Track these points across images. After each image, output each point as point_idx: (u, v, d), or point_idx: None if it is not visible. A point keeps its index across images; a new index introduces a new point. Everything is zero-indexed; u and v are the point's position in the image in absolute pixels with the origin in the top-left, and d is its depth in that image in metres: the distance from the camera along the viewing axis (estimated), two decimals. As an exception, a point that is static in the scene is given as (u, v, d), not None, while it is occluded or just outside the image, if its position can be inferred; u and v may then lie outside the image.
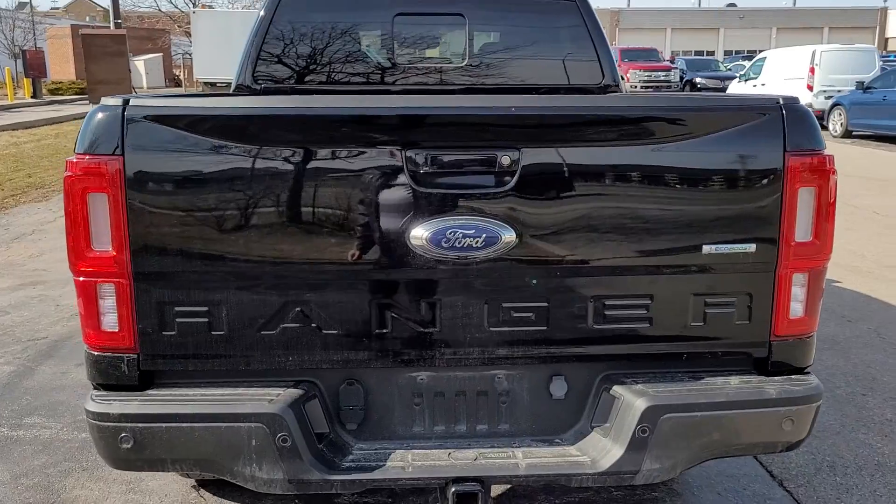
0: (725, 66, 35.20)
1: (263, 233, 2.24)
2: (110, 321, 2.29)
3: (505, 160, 2.22)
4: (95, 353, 2.32)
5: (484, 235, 2.23)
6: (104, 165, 2.18)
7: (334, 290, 2.29)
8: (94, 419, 2.24)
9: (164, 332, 2.29)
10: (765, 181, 2.30)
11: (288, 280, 2.28)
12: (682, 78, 32.09)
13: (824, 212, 2.34)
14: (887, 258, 7.69)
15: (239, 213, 2.22)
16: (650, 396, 2.28)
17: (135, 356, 2.30)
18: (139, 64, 44.04)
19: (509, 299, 2.33)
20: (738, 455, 2.51)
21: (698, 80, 30.58)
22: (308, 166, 2.22)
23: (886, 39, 58.39)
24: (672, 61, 37.39)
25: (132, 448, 2.23)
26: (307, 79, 4.13)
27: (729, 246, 2.30)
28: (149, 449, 2.23)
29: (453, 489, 2.26)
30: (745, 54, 46.17)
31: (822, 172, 2.31)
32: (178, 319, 2.29)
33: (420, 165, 2.22)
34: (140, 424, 2.22)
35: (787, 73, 20.42)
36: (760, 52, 25.36)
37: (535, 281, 2.31)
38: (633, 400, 2.29)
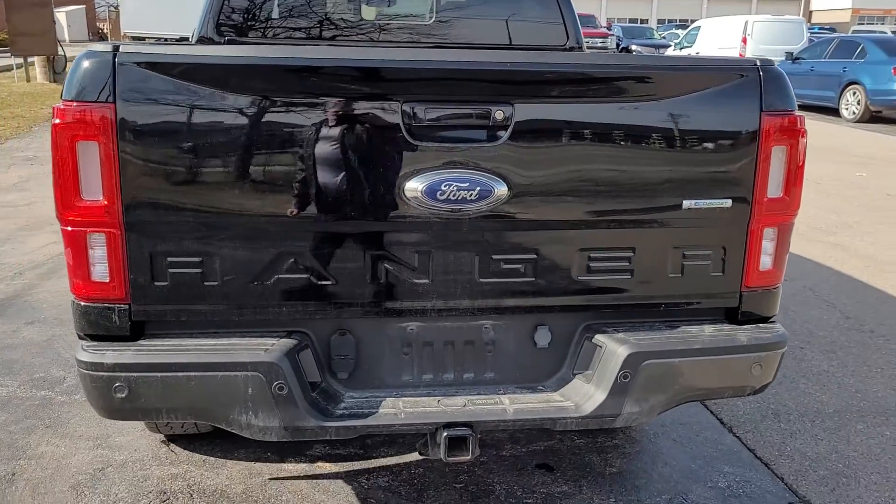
0: (660, 34, 35.76)
1: (258, 184, 2.24)
2: (100, 271, 2.27)
3: (499, 115, 2.27)
4: (84, 304, 2.31)
5: (478, 188, 2.29)
6: (94, 112, 2.15)
7: (328, 242, 2.32)
8: (86, 369, 2.24)
9: (156, 283, 2.29)
10: (741, 139, 2.42)
11: (282, 231, 2.30)
12: (618, 45, 32.48)
13: (794, 169, 2.47)
14: (816, 221, 8.06)
15: (233, 163, 2.22)
16: (632, 344, 2.39)
17: (126, 307, 2.30)
18: (60, 16, 41.98)
19: (499, 251, 2.40)
20: (709, 399, 2.66)
21: (634, 47, 31.01)
22: (305, 118, 2.23)
23: (811, 12, 60.14)
24: (609, 28, 37.77)
25: (126, 397, 2.23)
26: (270, 32, 4.08)
27: (707, 201, 2.42)
28: (143, 398, 2.24)
29: (445, 434, 2.33)
30: (678, 23, 46.99)
31: (795, 132, 2.44)
32: (170, 270, 2.29)
33: (416, 119, 2.25)
34: (135, 374, 2.22)
35: (721, 42, 20.92)
36: (692, 20, 25.85)
37: (524, 233, 2.39)
38: (615, 347, 2.41)
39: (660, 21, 56.59)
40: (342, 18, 4.17)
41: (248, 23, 4.07)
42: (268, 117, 2.22)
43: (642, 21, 55.22)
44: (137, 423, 3.68)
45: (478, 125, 2.30)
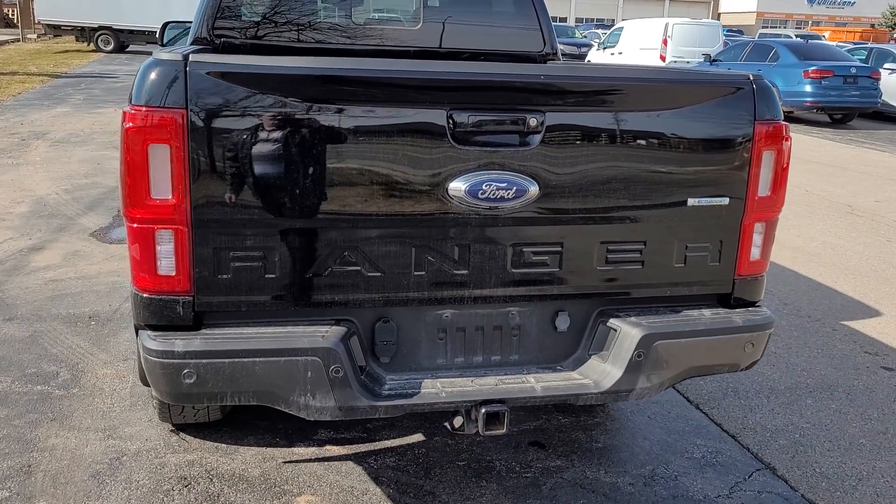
0: (581, 34, 36.76)
1: (317, 185, 2.44)
2: (167, 265, 2.42)
3: (532, 121, 2.53)
4: (149, 297, 2.45)
5: (514, 188, 2.55)
6: (168, 117, 2.30)
7: (378, 237, 2.54)
8: (157, 357, 2.39)
9: (219, 276, 2.46)
10: (737, 144, 2.75)
11: (336, 228, 2.50)
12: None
13: (780, 171, 2.82)
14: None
15: (294, 167, 2.41)
16: (645, 326, 2.70)
17: (190, 298, 2.45)
18: (-38, 1, 39.99)
19: (529, 244, 2.66)
20: (708, 374, 3.00)
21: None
22: (360, 124, 2.44)
23: (719, 14, 62.70)
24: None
25: (195, 382, 2.40)
26: (266, 36, 4.23)
27: (708, 199, 2.74)
28: (211, 382, 2.41)
29: (483, 410, 2.59)
30: (596, 22, 48.20)
31: (781, 138, 2.79)
32: (233, 264, 2.46)
33: (460, 125, 2.49)
34: (204, 360, 2.39)
35: (643, 43, 21.76)
36: (609, 20, 26.64)
37: (552, 228, 2.66)
38: (630, 330, 2.71)
39: (578, 20, 58.00)
40: (334, 23, 4.35)
41: (242, 27, 4.20)
42: (326, 123, 2.42)
43: (560, 20, 56.49)
44: (143, 414, 3.80)
45: (514, 131, 2.55)
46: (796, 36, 31.30)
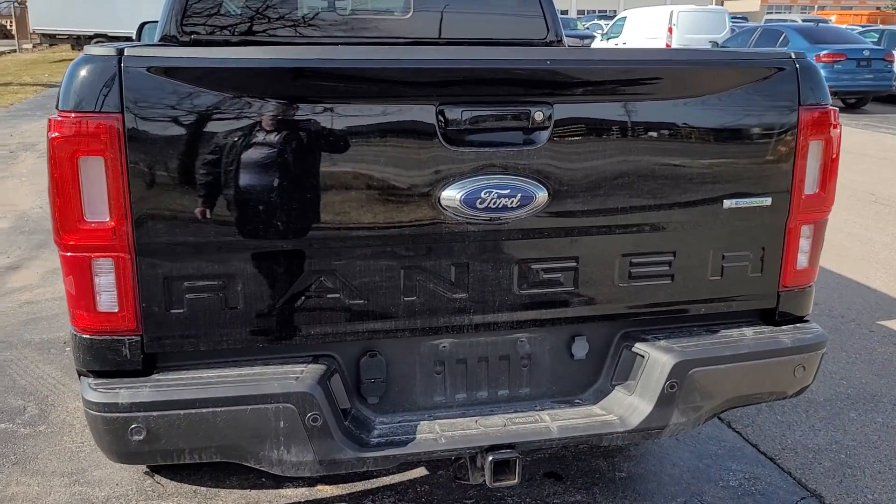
0: (583, 25, 36.24)
1: (283, 198, 2.05)
2: (108, 301, 2.03)
3: (538, 115, 2.13)
4: (88, 337, 2.07)
5: (519, 195, 2.15)
6: (100, 124, 1.91)
7: (359, 258, 2.15)
8: (97, 410, 2.00)
9: (171, 311, 2.07)
10: (780, 135, 2.34)
11: (310, 248, 2.11)
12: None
13: (829, 164, 2.42)
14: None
15: (256, 176, 2.02)
16: (678, 352, 2.30)
17: (138, 338, 2.07)
18: (-41, 12, 39.86)
19: (539, 260, 2.27)
20: (751, 404, 2.59)
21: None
22: (333, 125, 2.05)
23: (723, 2, 62.08)
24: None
25: (145, 439, 2.01)
26: (242, 31, 3.84)
27: (748, 200, 2.34)
28: (164, 439, 2.02)
29: (490, 458, 2.19)
30: (598, 13, 47.74)
31: (829, 125, 2.38)
32: (188, 296, 2.07)
33: (452, 122, 2.10)
34: (154, 413, 2.00)
35: (647, 32, 21.27)
36: (611, 11, 26.21)
37: (565, 240, 2.26)
38: (660, 356, 2.30)
39: (580, 11, 57.46)
40: (315, 15, 3.95)
41: (213, 21, 3.81)
42: (294, 124, 2.03)
43: (562, 12, 55.93)
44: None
45: (517, 127, 2.16)
46: (804, 20, 30.73)
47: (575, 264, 2.30)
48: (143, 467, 3.33)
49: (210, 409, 2.03)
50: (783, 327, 2.49)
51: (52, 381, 4.18)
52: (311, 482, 3.28)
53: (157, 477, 3.31)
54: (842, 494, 3.29)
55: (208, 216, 2.02)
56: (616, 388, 2.42)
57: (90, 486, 3.25)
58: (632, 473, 3.43)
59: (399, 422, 2.31)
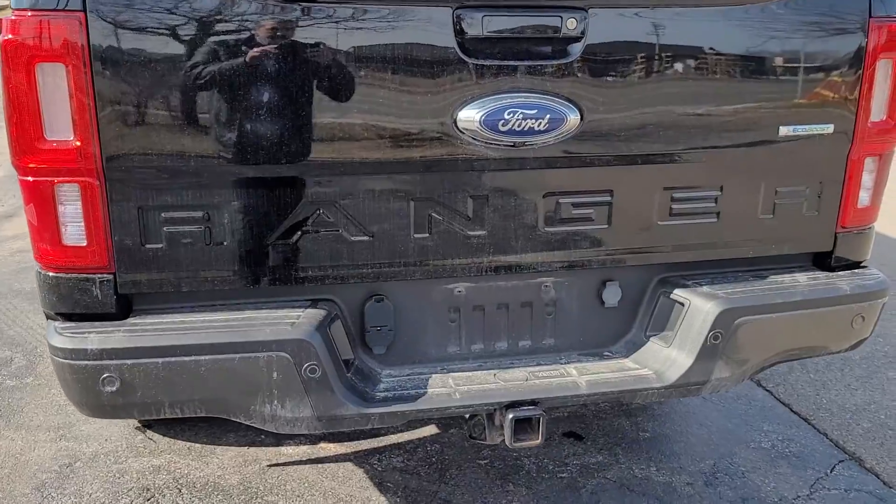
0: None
1: (275, 115, 1.77)
2: (75, 233, 1.78)
3: (570, 24, 1.84)
4: (54, 275, 1.81)
5: (547, 116, 1.87)
6: (62, 24, 1.63)
7: (363, 188, 1.88)
8: (63, 357, 1.75)
9: (147, 246, 1.81)
10: (846, 52, 2.05)
11: (307, 176, 1.84)
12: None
13: (900, 88, 2.12)
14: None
15: (244, 90, 1.74)
16: (722, 299, 2.03)
17: (110, 276, 1.81)
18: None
19: (569, 193, 1.99)
20: (802, 358, 2.32)
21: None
22: (331, 30, 1.76)
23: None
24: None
25: (118, 391, 1.76)
26: None
27: (806, 126, 2.05)
28: (140, 391, 1.78)
29: (510, 416, 1.94)
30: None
31: None
32: (166, 228, 1.81)
33: (472, 31, 1.80)
34: (129, 361, 1.75)
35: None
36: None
37: (599, 171, 1.98)
38: (702, 304, 2.04)
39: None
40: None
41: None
42: (288, 29, 1.74)
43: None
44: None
45: (546, 37, 1.86)
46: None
47: (609, 199, 2.02)
48: (134, 421, 3.12)
49: (193, 358, 1.78)
50: (840, 273, 2.21)
51: (42, 331, 3.94)
52: (313, 439, 3.06)
53: (149, 432, 3.10)
54: (883, 457, 3.05)
55: (189, 135, 1.74)
56: (651, 339, 2.16)
57: (77, 442, 3.03)
58: (656, 433, 3.19)
59: (408, 374, 2.06)
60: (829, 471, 2.98)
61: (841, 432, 3.23)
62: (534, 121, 1.86)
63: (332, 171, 1.85)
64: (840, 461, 3.03)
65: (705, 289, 2.09)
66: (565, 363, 2.14)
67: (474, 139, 1.86)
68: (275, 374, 1.81)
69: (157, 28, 1.69)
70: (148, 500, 2.72)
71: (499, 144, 1.88)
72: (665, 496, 2.79)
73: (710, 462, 2.99)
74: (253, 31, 1.72)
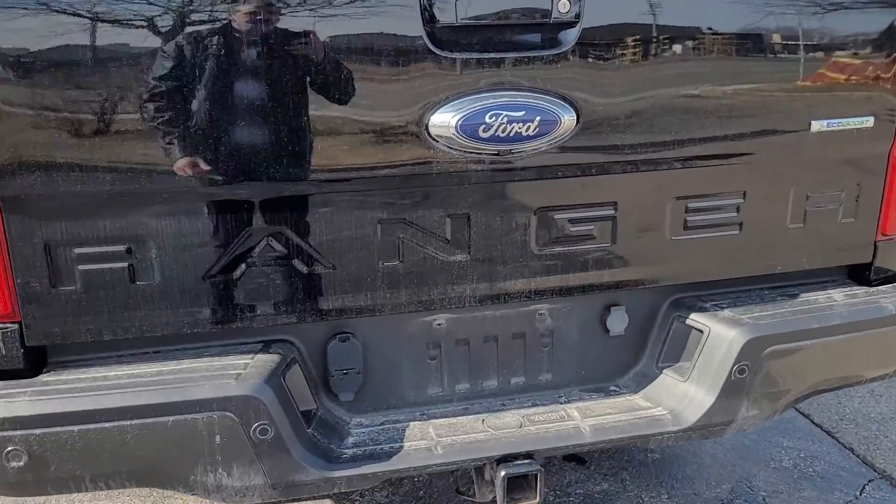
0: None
1: (212, 126, 1.45)
2: (-33, 276, 1.45)
3: (563, 5, 1.52)
4: None
5: (537, 119, 1.55)
6: None
7: (319, 209, 1.56)
8: None
9: (59, 288, 1.50)
10: (887, 34, 1.73)
11: (251, 196, 1.53)
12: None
13: (949, 71, 1.80)
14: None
15: (171, 94, 1.42)
16: (749, 326, 1.73)
17: (14, 326, 1.50)
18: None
19: (566, 208, 1.68)
20: (841, 388, 2.02)
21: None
22: (276, 19, 1.43)
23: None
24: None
25: (26, 466, 1.45)
26: None
27: (843, 121, 1.74)
28: (54, 465, 1.47)
29: (503, 472, 1.64)
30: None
31: None
32: (81, 267, 1.49)
33: (444, 16, 1.49)
34: (37, 431, 1.44)
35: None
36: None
37: (601, 180, 1.67)
38: (724, 331, 1.74)
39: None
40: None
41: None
42: (214, 21, 1.42)
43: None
44: None
45: (534, 23, 1.54)
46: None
47: (613, 212, 1.71)
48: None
49: (115, 424, 1.47)
50: (880, 288, 1.91)
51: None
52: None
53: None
54: (918, 476, 2.77)
55: (102, 152, 1.43)
56: (665, 371, 1.86)
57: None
58: (666, 455, 2.91)
59: (381, 424, 1.76)
60: (857, 493, 2.70)
61: (868, 446, 2.95)
62: (521, 124, 1.54)
63: (280, 191, 1.53)
64: (869, 480, 2.76)
65: (727, 313, 1.79)
66: (566, 402, 1.84)
67: (450, 148, 1.55)
68: (217, 439, 1.51)
69: (54, 19, 1.36)
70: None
71: (480, 154, 1.57)
72: (679, 529, 2.50)
73: (728, 487, 2.71)
74: (182, 23, 1.40)
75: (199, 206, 1.52)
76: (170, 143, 1.46)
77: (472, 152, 1.56)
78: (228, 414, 1.50)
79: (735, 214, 1.79)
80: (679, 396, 1.80)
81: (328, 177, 1.55)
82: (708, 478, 2.77)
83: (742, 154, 1.73)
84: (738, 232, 1.80)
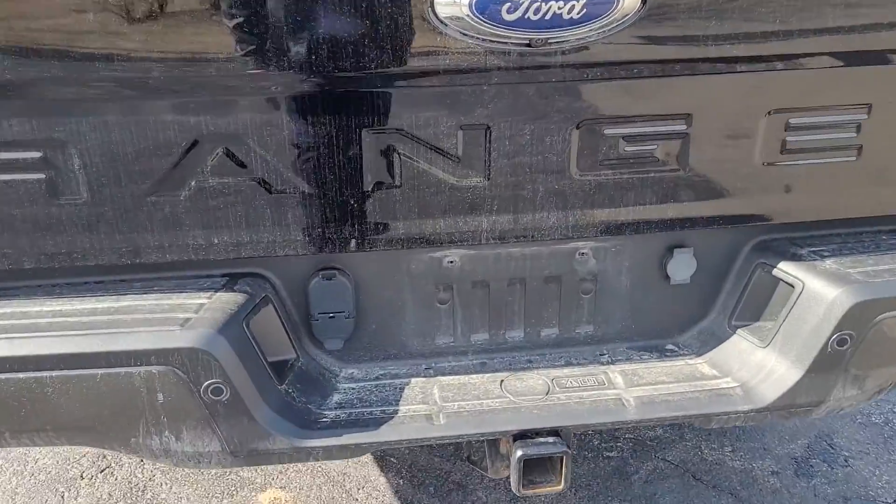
0: None
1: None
2: None
3: None
4: None
5: (583, -3, 1.12)
6: None
7: (291, 112, 1.19)
8: None
9: None
10: None
11: (204, 90, 1.16)
12: None
13: None
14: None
15: None
16: (858, 284, 1.31)
17: None
18: None
19: (622, 121, 1.27)
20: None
21: None
22: None
23: None
24: None
25: None
26: None
27: None
28: None
29: (519, 453, 1.31)
30: None
31: None
32: None
33: None
34: None
35: None
36: None
37: (669, 83, 1.24)
38: (824, 290, 1.33)
39: None
40: None
41: None
42: None
43: None
44: None
45: None
46: None
47: (685, 128, 1.29)
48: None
49: (31, 375, 1.18)
50: None
51: None
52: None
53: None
54: None
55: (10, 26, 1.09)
56: (739, 331, 1.48)
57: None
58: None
59: (377, 378, 1.44)
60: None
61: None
62: (562, 3, 1.12)
63: (244, 87, 1.17)
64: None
65: (829, 264, 1.37)
66: (608, 363, 1.48)
67: (464, 35, 1.14)
68: (160, 397, 1.21)
69: None
70: (102, 470, 2.25)
71: (505, 44, 1.16)
72: (741, 489, 2.16)
73: (803, 443, 2.36)
74: None
75: (140, 98, 1.17)
76: (94, 23, 1.10)
77: (493, 41, 1.15)
78: (171, 369, 1.19)
79: (854, 135, 1.34)
80: (755, 366, 1.41)
81: (301, 69, 1.17)
82: (781, 431, 2.40)
83: (875, 53, 1.26)
84: (855, 158, 1.35)
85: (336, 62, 1.16)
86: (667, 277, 1.48)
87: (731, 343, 1.48)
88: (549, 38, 1.16)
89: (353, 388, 1.42)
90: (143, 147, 1.20)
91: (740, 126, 1.31)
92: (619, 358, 1.50)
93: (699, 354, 1.50)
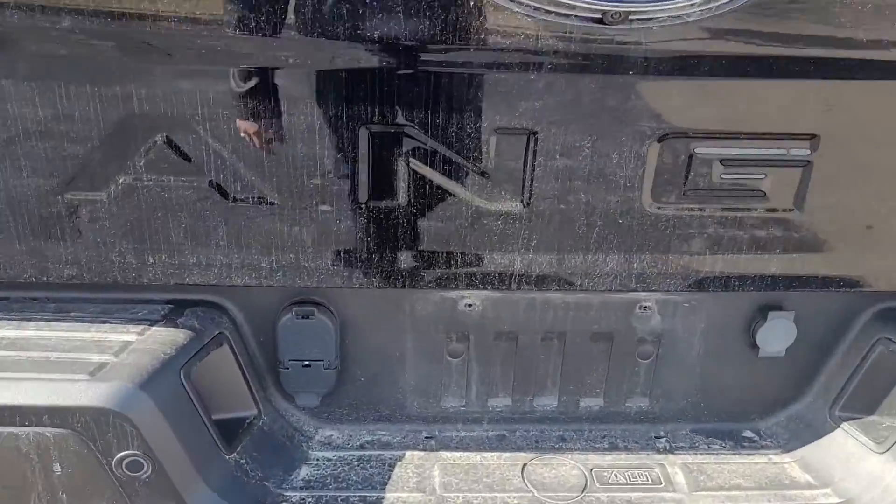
0: None
1: None
2: None
3: None
4: None
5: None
6: None
7: (258, 97, 0.85)
8: None
9: None
10: None
11: (120, 58, 0.83)
12: None
13: None
14: None
15: None
16: None
17: None
18: None
19: (719, 137, 0.91)
20: None
21: None
22: None
23: None
24: None
25: None
26: None
27: None
28: None
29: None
30: None
31: None
32: None
33: None
34: None
35: None
36: None
37: (792, 85, 0.88)
38: None
39: None
40: None
41: None
42: None
43: None
44: None
45: None
46: None
47: (808, 153, 0.95)
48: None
49: None
50: None
51: None
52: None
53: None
54: None
55: None
56: (845, 425, 1.12)
57: None
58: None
59: (361, 447, 1.11)
60: None
61: None
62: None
63: (183, 59, 0.83)
64: None
65: None
66: (665, 450, 1.13)
67: (516, 4, 0.79)
68: (57, 468, 0.89)
69: None
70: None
71: (567, 15, 0.80)
72: None
73: None
74: None
75: (44, 64, 0.84)
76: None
77: (552, 12, 0.79)
78: (73, 433, 0.87)
79: None
80: (867, 477, 1.06)
81: (272, 43, 0.83)
82: None
83: None
84: None
85: (323, 28, 0.82)
86: (754, 346, 1.12)
87: (832, 440, 1.12)
88: (630, 12, 0.80)
89: (329, 460, 1.09)
90: (54, 129, 0.87)
91: (885, 157, 0.94)
92: (681, 445, 1.15)
93: (787, 450, 1.14)
